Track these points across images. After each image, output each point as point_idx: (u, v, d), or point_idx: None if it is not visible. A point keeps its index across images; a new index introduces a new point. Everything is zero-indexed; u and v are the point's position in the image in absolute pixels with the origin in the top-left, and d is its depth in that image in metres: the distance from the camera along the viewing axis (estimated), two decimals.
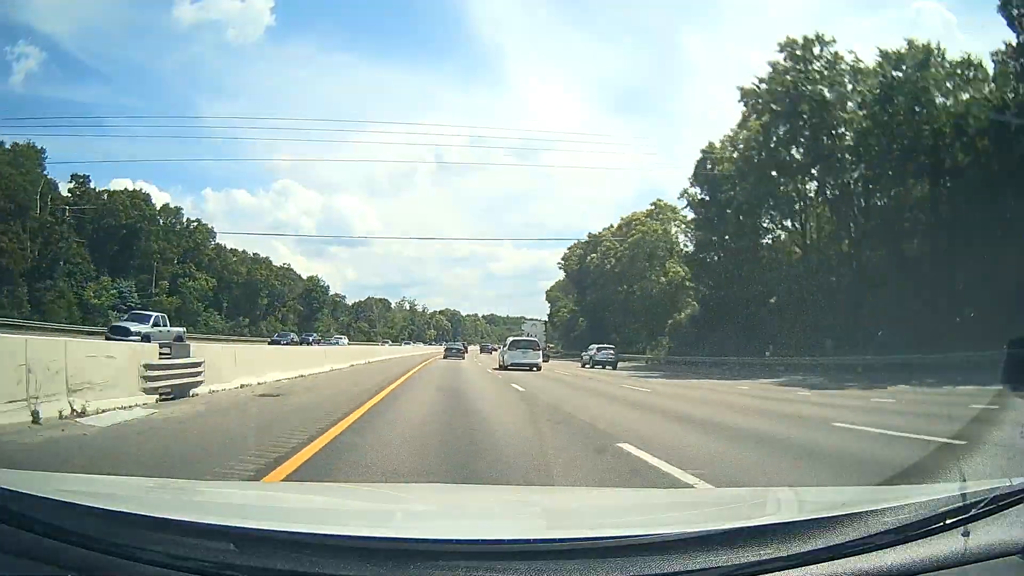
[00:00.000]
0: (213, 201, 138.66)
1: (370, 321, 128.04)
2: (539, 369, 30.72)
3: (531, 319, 68.48)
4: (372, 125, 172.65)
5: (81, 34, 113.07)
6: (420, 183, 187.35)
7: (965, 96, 29.93)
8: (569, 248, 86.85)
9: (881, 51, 33.20)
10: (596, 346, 44.58)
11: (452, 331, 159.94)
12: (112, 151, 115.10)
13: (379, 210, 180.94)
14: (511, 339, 36.01)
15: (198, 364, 11.60)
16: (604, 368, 39.47)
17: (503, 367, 31.41)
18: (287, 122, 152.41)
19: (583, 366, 41.66)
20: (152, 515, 1.57)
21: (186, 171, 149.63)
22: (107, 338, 20.58)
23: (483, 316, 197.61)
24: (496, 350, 75.30)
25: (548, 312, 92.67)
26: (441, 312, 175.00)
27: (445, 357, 46.76)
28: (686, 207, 50.75)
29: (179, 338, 24.08)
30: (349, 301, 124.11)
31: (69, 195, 67.53)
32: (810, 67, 35.71)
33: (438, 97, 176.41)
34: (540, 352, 32.91)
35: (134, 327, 25.17)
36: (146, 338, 21.17)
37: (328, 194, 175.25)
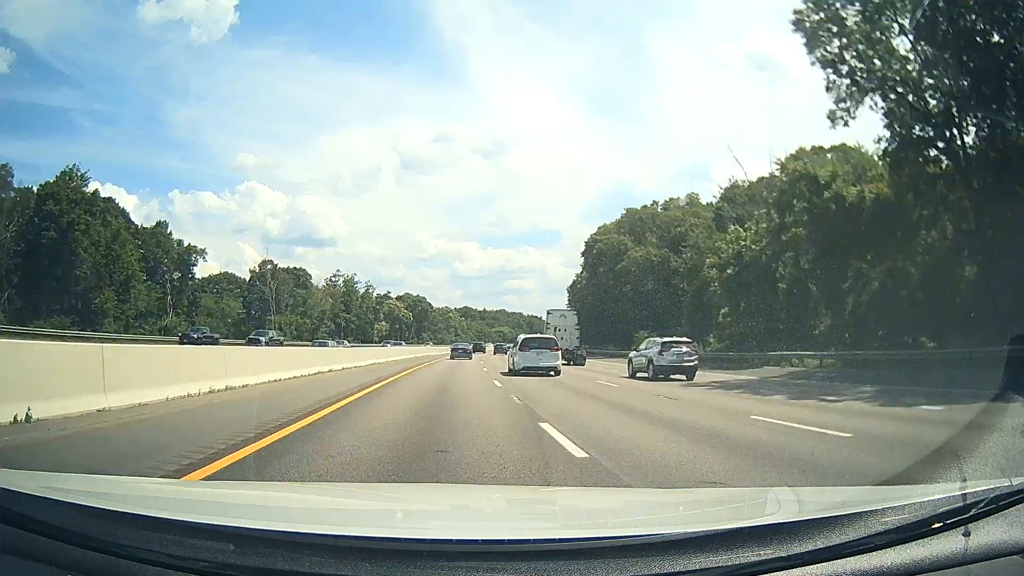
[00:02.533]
0: (180, 203, 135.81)
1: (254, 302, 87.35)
2: (558, 374, 24.74)
3: (560, 309, 49.99)
4: (338, 126, 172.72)
5: (48, 37, 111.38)
6: (386, 183, 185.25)
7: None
8: (594, 234, 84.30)
9: None
10: (660, 340, 24.97)
11: (416, 326, 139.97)
12: (83, 155, 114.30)
13: (344, 211, 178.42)
14: (522, 337, 28.57)
15: None
16: (671, 378, 22.78)
17: (513, 372, 25.87)
18: (254, 123, 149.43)
19: (633, 375, 24.98)
20: (152, 515, 1.57)
21: (152, 173, 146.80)
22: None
23: (456, 309, 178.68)
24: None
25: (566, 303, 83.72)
26: (400, 298, 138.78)
27: (452, 357, 46.53)
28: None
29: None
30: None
31: None
32: None
33: (405, 98, 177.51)
34: (558, 353, 26.74)
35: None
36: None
37: (293, 195, 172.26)
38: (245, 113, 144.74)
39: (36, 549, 1.47)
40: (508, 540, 1.52)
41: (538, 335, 32.31)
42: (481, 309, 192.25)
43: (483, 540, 1.51)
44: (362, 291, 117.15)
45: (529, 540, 1.54)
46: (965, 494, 1.52)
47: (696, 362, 24.11)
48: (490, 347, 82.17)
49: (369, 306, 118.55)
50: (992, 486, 1.59)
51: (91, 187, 61.94)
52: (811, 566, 1.40)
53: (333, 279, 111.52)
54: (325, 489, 3.73)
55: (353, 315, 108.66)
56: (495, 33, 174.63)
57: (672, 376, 23.01)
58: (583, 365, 37.59)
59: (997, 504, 1.53)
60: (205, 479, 4.91)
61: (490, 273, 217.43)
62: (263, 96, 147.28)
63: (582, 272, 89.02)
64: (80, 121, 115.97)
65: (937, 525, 1.49)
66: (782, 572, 1.40)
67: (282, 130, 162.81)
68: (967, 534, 1.48)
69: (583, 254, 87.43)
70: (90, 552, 1.45)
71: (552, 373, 24.77)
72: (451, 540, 1.50)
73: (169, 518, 1.57)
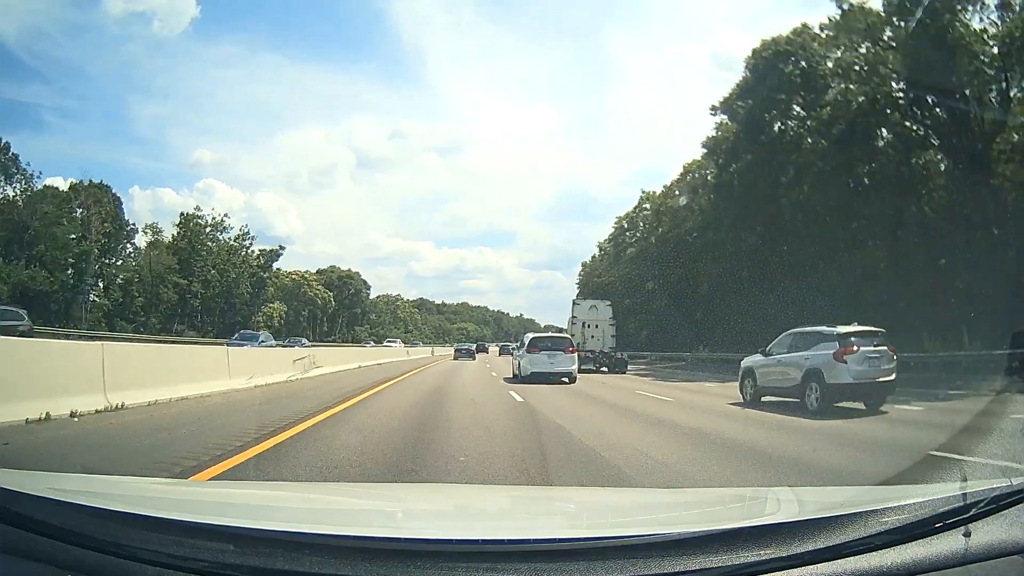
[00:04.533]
0: (140, 199, 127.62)
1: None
2: (572, 381, 20.43)
3: (590, 301, 35.46)
4: (296, 124, 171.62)
5: (19, 32, 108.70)
6: (342, 181, 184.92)
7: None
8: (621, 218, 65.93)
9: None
10: (843, 330, 12.31)
11: (344, 316, 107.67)
12: (48, 150, 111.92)
13: (301, 209, 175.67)
14: (530, 336, 23.40)
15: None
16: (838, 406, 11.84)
17: (518, 378, 21.56)
18: (214, 120, 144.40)
19: (753, 399, 13.85)
20: (152, 515, 1.57)
21: (114, 169, 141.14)
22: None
23: (410, 300, 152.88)
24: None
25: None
26: (320, 273, 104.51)
27: (456, 358, 45.88)
28: None
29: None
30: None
31: None
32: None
33: (362, 96, 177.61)
34: (574, 355, 21.78)
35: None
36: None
37: (251, 193, 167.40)
38: (205, 110, 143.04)
39: (36, 549, 1.47)
40: (508, 540, 1.52)
41: (549, 334, 27.79)
42: (439, 303, 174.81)
43: (483, 540, 1.51)
44: (230, 238, 71.23)
45: (529, 540, 1.54)
46: (965, 494, 1.52)
47: (894, 375, 12.35)
48: (494, 348, 77.60)
49: (246, 270, 72.73)
50: (992, 486, 1.59)
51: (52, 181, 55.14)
52: (811, 566, 1.41)
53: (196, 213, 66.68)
54: (325, 489, 3.73)
55: (201, 278, 64.98)
56: (453, 33, 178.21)
57: (848, 401, 12.08)
58: (623, 372, 30.10)
59: (997, 504, 1.53)
60: None
61: (445, 273, 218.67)
62: (223, 93, 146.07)
63: (603, 256, 71.55)
64: (47, 117, 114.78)
65: (937, 525, 1.49)
66: (782, 572, 1.40)
67: (241, 127, 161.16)
68: (967, 534, 1.48)
69: (610, 240, 69.06)
70: (90, 552, 1.45)
71: (566, 380, 20.49)
72: (452, 540, 1.50)
73: (169, 518, 1.57)
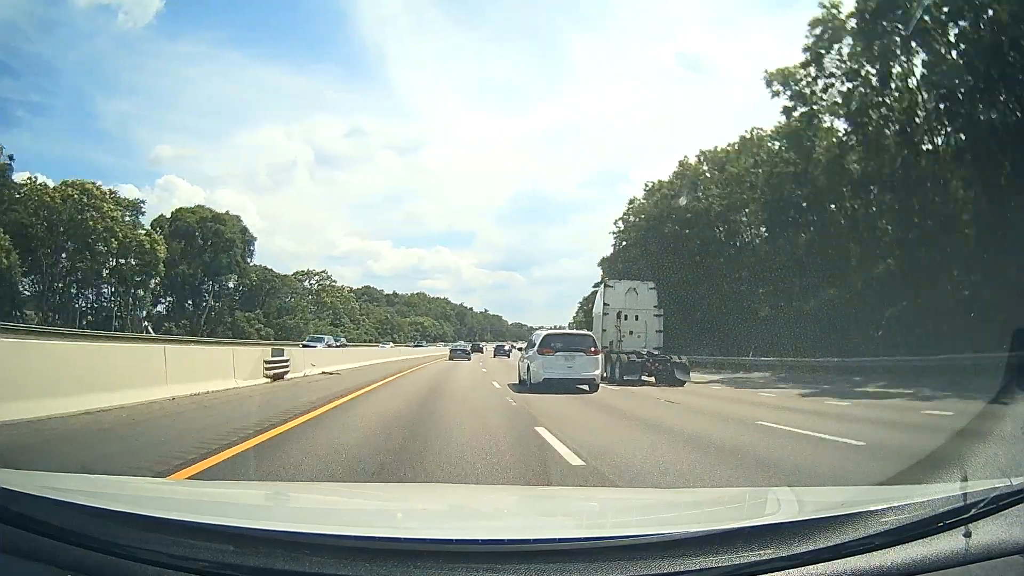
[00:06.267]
0: None
1: None
2: (594, 389, 16.28)
3: (628, 283, 24.49)
4: (256, 121, 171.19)
5: None
6: (300, 179, 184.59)
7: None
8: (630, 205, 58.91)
9: None
10: None
11: (261, 294, 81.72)
12: (16, 146, 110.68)
13: (260, 206, 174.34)
14: (543, 333, 18.32)
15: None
16: None
17: (526, 385, 16.92)
18: (176, 117, 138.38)
19: None
20: (152, 515, 1.57)
21: (80, 165, 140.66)
22: None
23: (356, 288, 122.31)
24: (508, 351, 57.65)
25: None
26: (180, 210, 75.59)
27: (451, 358, 45.75)
28: None
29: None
30: None
31: None
32: None
33: (324, 94, 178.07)
34: (598, 358, 17.29)
35: None
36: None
37: (211, 189, 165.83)
38: (168, 107, 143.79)
39: (36, 549, 1.47)
40: (508, 540, 1.52)
41: (567, 330, 23.05)
42: (390, 292, 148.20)
43: (483, 540, 1.51)
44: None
45: (529, 540, 1.54)
46: (965, 494, 1.52)
47: None
48: (489, 348, 75.43)
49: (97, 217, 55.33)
50: (992, 486, 1.59)
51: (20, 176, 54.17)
52: (811, 566, 1.41)
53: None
54: (325, 489, 3.73)
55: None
56: (414, 33, 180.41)
57: None
58: (682, 385, 20.17)
59: (997, 504, 1.53)
60: None
61: (403, 272, 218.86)
62: (186, 91, 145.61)
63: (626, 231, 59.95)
64: (15, 112, 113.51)
65: (937, 525, 1.49)
66: (782, 572, 1.40)
67: (202, 124, 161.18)
68: (967, 534, 1.48)
69: (623, 219, 59.86)
70: (90, 552, 1.45)
71: (585, 388, 16.34)
72: (451, 540, 1.50)
73: (169, 518, 1.58)
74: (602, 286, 25.08)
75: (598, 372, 17.01)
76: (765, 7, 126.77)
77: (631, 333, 22.83)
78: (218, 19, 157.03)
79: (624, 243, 59.95)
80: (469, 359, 46.25)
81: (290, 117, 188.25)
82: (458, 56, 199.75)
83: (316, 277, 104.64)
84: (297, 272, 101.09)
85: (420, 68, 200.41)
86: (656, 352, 21.85)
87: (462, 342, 69.48)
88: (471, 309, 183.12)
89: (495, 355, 58.73)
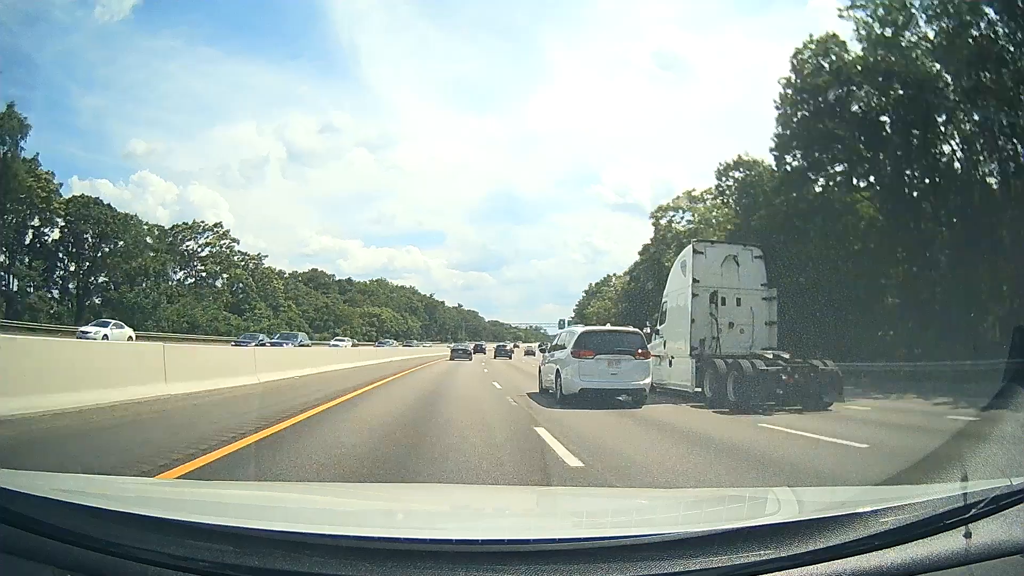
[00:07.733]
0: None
1: None
2: (639, 404, 12.71)
3: (722, 247, 15.79)
4: (229, 117, 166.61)
5: None
6: (272, 176, 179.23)
7: None
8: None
9: None
10: None
11: (231, 283, 71.67)
12: None
13: (232, 203, 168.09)
14: (579, 331, 14.41)
15: None
16: None
17: (554, 396, 13.59)
18: (151, 113, 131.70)
19: None
20: (152, 515, 1.57)
21: (56, 159, 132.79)
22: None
23: (303, 272, 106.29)
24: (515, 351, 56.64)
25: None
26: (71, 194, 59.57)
27: (452, 359, 45.37)
28: None
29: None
30: None
31: None
32: None
33: (297, 90, 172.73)
34: (647, 363, 13.34)
35: None
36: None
37: (184, 185, 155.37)
38: (143, 102, 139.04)
39: (36, 549, 1.47)
40: (508, 540, 1.52)
41: (608, 327, 16.70)
42: (343, 279, 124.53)
43: (483, 540, 1.51)
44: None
45: (529, 540, 1.54)
46: (965, 494, 1.52)
47: None
48: (491, 348, 71.03)
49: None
50: (992, 486, 1.59)
51: None
52: (811, 566, 1.40)
53: None
54: (325, 489, 3.72)
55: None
56: (389, 31, 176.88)
57: None
58: (827, 409, 12.56)
59: (997, 504, 1.53)
60: None
61: (374, 272, 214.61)
62: (161, 86, 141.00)
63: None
64: None
65: (937, 525, 1.49)
66: (782, 572, 1.40)
67: (176, 120, 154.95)
68: (967, 534, 1.48)
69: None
70: (90, 552, 1.45)
71: (629, 399, 13.07)
72: (451, 540, 1.50)
73: (169, 518, 1.57)
74: (690, 253, 15.84)
75: (648, 381, 13.16)
76: (743, 8, 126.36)
77: (731, 326, 15.21)
78: (195, 14, 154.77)
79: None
80: (471, 359, 46.30)
81: (263, 113, 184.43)
82: (432, 54, 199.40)
83: (208, 233, 74.17)
84: (176, 226, 73.42)
85: (394, 65, 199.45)
86: (785, 357, 13.56)
87: (467, 342, 68.81)
88: (442, 303, 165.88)
89: (496, 355, 56.92)
